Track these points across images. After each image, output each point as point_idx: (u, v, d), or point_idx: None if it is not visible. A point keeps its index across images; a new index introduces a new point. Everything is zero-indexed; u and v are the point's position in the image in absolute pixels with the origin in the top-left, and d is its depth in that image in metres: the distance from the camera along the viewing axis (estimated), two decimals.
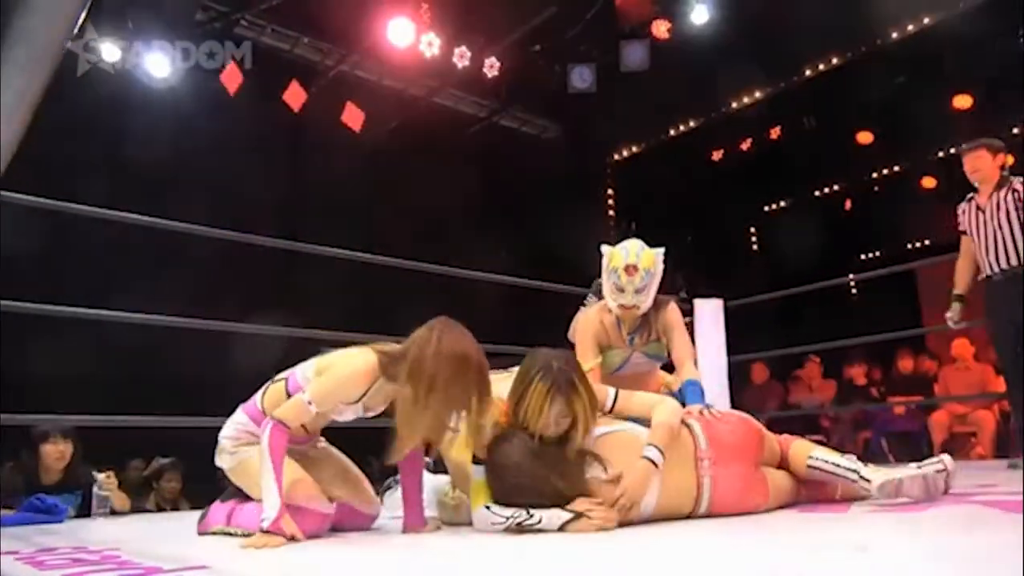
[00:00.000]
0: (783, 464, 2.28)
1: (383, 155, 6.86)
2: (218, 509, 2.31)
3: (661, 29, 6.31)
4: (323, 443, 2.40)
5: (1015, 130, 7.14)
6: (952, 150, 6.70)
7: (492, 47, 6.91)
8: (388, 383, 2.07)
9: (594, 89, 6.49)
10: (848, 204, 8.65)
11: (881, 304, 6.91)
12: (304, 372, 2.17)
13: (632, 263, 2.56)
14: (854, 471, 2.16)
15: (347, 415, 2.16)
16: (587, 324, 2.73)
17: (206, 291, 5.34)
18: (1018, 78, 6.19)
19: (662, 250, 2.64)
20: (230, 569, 1.60)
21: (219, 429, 2.25)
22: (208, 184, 5.73)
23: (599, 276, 2.91)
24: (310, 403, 2.04)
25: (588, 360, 2.57)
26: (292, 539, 1.92)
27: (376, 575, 1.63)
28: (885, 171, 8.09)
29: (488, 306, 6.78)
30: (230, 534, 2.20)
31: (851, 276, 7.06)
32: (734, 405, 4.10)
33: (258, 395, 2.25)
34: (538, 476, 1.96)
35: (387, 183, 6.82)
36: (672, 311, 2.71)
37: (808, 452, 2.24)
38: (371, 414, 2.19)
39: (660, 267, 2.61)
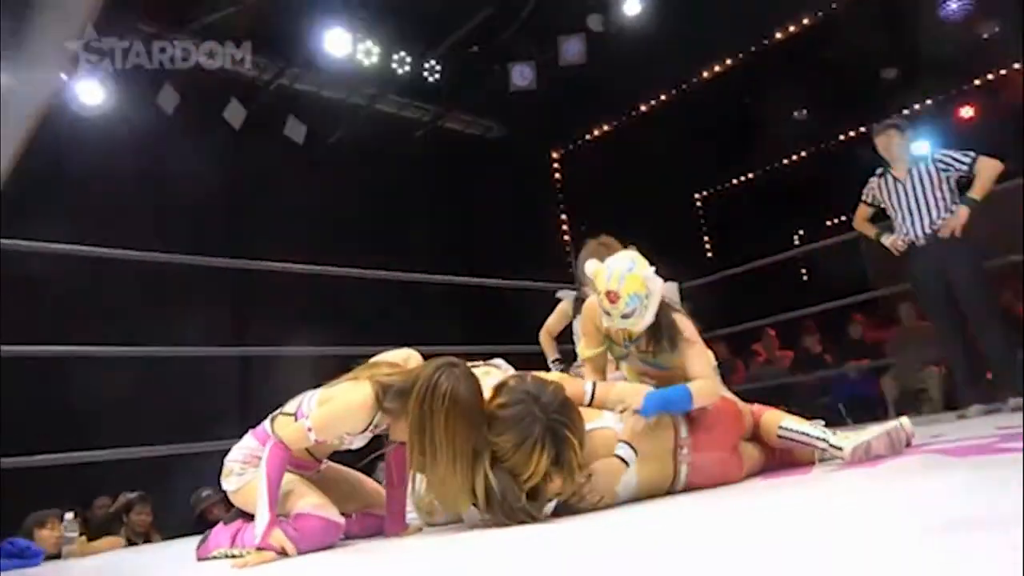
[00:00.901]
0: (755, 432, 2.37)
1: (328, 166, 6.82)
2: (221, 532, 2.30)
3: (596, 22, 6.41)
4: (327, 464, 2.38)
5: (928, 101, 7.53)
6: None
7: (431, 51, 6.93)
8: (384, 416, 2.08)
9: (535, 86, 6.58)
10: (790, 180, 8.88)
11: (830, 274, 7.14)
12: (309, 402, 2.19)
13: (612, 289, 2.26)
14: (823, 439, 2.25)
15: (358, 443, 2.18)
16: (590, 312, 2.52)
17: (154, 315, 5.25)
18: (938, 53, 6.53)
19: (651, 271, 2.31)
20: None
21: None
22: (155, 204, 5.64)
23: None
24: (310, 430, 2.05)
25: (590, 348, 2.54)
26: (283, 553, 1.93)
27: None
28: (823, 145, 8.35)
29: (444, 307, 6.84)
30: (233, 555, 2.20)
31: (798, 248, 7.30)
32: None
33: (267, 422, 2.27)
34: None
35: (333, 194, 6.79)
36: (679, 325, 2.36)
37: (779, 422, 2.33)
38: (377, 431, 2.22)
39: (654, 287, 2.30)
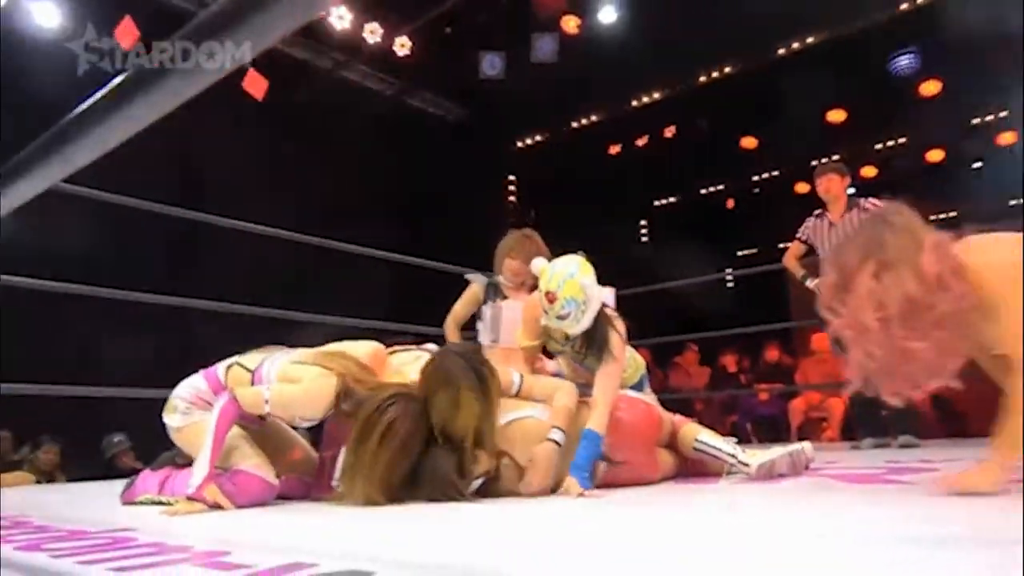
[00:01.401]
0: (672, 441, 2.54)
1: (284, 126, 6.70)
2: (149, 477, 2.31)
3: (571, 24, 6.51)
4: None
5: (877, 146, 7.94)
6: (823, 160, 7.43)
7: (404, 26, 6.89)
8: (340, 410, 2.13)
9: (503, 77, 6.63)
10: (730, 203, 9.23)
11: (753, 299, 7.48)
12: (271, 367, 2.21)
13: (551, 290, 2.32)
14: (733, 455, 2.43)
15: (306, 424, 2.23)
16: (533, 305, 2.55)
17: (98, 259, 5.07)
18: (885, 99, 6.90)
19: (591, 279, 2.36)
20: (157, 530, 1.62)
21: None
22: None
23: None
24: (267, 402, 2.07)
25: (526, 339, 2.61)
26: (217, 507, 1.97)
27: (294, 539, 1.68)
28: (765, 175, 8.70)
29: (378, 281, 6.83)
30: (160, 503, 2.21)
31: (728, 271, 7.60)
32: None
33: (221, 367, 2.28)
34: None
35: (286, 154, 6.68)
36: (611, 342, 2.39)
37: (696, 435, 2.51)
38: None
39: (592, 294, 2.35)
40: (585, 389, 2.39)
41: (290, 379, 2.14)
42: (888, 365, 1.61)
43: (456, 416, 2.07)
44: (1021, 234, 1.69)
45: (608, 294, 3.77)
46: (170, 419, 2.25)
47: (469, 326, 3.42)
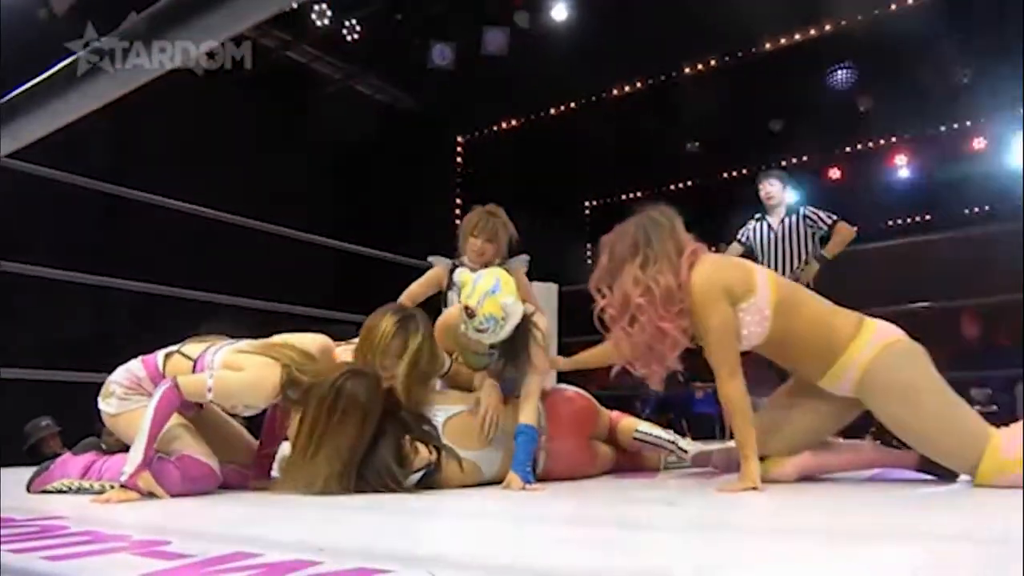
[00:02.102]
0: (611, 435, 2.62)
1: (221, 104, 6.49)
2: (69, 462, 2.21)
3: (523, 19, 6.51)
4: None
5: (805, 158, 8.27)
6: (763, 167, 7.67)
7: (354, 10, 6.77)
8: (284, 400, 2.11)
9: (452, 67, 6.60)
10: (681, 201, 9.43)
11: None
12: (214, 356, 2.15)
13: (470, 305, 2.32)
14: (673, 442, 2.58)
15: (248, 412, 2.19)
16: (449, 320, 2.56)
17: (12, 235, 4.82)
18: (822, 112, 7.11)
19: (512, 297, 2.34)
20: (89, 519, 1.56)
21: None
22: None
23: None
24: (210, 390, 2.02)
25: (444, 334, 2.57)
26: (151, 495, 1.91)
27: (235, 527, 1.65)
28: (716, 176, 8.84)
29: (325, 270, 6.72)
30: (82, 489, 2.13)
31: None
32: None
33: (160, 355, 2.22)
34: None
35: (224, 134, 6.49)
36: (532, 356, 2.40)
37: (635, 426, 2.63)
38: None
39: (512, 311, 2.33)
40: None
41: (234, 367, 2.09)
42: (644, 342, 1.97)
43: (396, 365, 2.15)
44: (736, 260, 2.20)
45: (550, 289, 3.73)
46: (106, 405, 2.18)
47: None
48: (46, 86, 0.95)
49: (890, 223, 7.97)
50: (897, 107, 7.10)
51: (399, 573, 0.99)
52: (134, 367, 2.21)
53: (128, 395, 2.16)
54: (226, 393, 2.06)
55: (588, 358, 2.50)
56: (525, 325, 2.41)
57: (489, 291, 2.32)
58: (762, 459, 2.00)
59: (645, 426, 2.66)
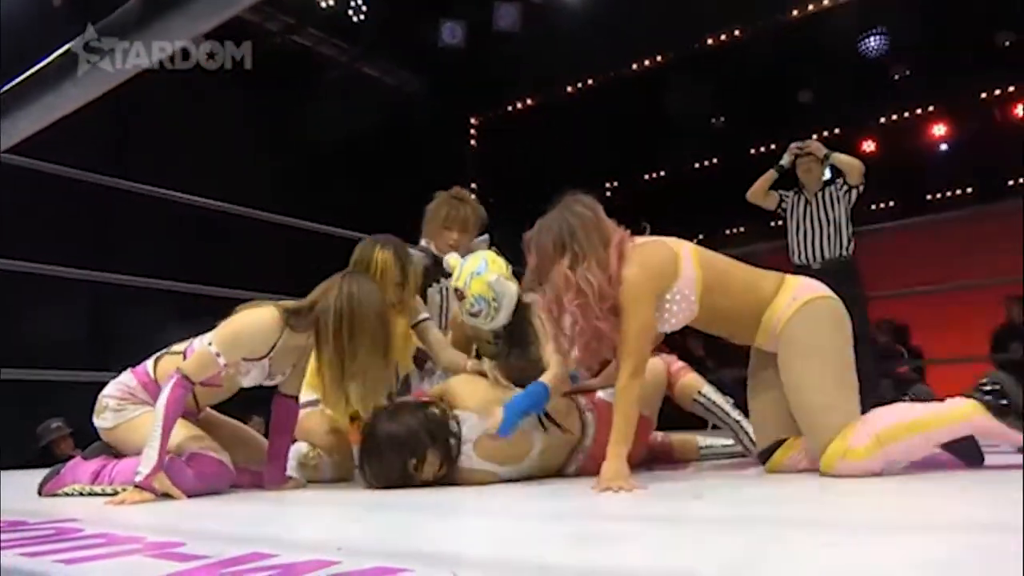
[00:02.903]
0: (669, 391, 2.37)
1: (226, 91, 6.42)
2: (79, 467, 2.17)
3: None
4: (207, 411, 2.32)
5: (837, 131, 8.05)
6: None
7: None
8: (293, 337, 2.07)
9: (463, 46, 6.50)
10: (706, 180, 9.09)
11: None
12: (202, 340, 2.10)
13: (459, 288, 2.31)
14: (739, 423, 2.29)
15: (252, 375, 2.10)
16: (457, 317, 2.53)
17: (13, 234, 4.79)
18: (853, 81, 6.89)
19: (498, 276, 2.31)
20: (103, 521, 1.54)
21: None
22: None
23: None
24: (218, 355, 1.97)
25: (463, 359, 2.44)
26: (166, 497, 1.88)
27: (250, 528, 1.60)
28: (744, 153, 8.57)
29: (333, 257, 6.62)
30: (93, 494, 2.08)
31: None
32: None
33: (149, 362, 2.19)
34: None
35: (232, 121, 6.43)
36: (535, 327, 2.35)
37: (698, 388, 2.37)
38: (272, 381, 2.17)
39: (502, 290, 2.29)
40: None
41: (226, 327, 2.05)
42: (581, 341, 1.88)
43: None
44: (673, 241, 2.00)
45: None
46: (101, 420, 2.15)
47: None
48: (38, 80, 0.91)
49: (928, 197, 7.77)
50: (934, 74, 6.86)
51: (419, 572, 0.95)
52: (124, 379, 2.19)
53: (122, 405, 2.13)
54: (232, 345, 2.01)
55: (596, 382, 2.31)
56: (524, 312, 2.35)
57: (475, 272, 2.31)
58: (774, 449, 1.96)
59: (710, 390, 2.36)
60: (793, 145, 4.31)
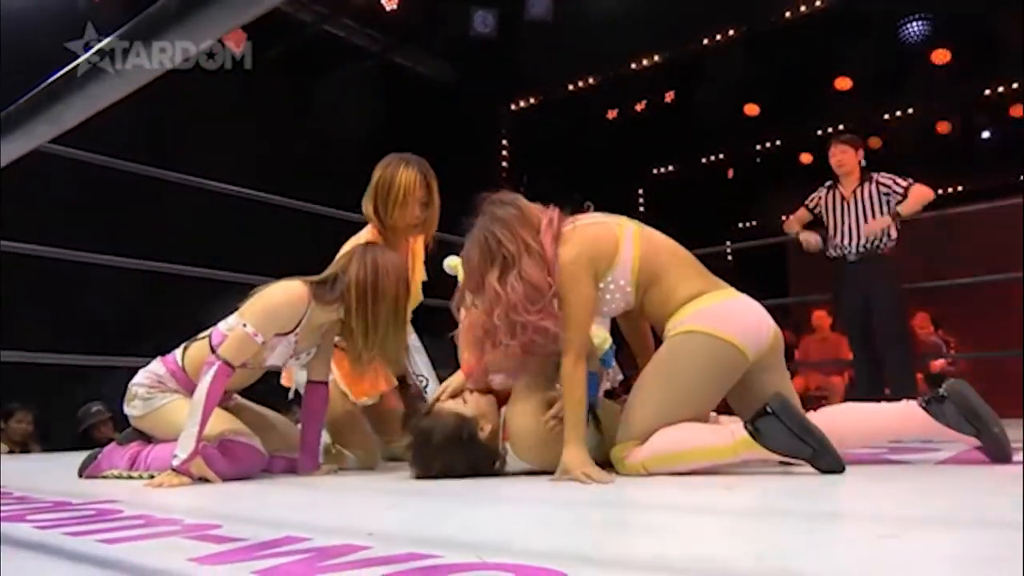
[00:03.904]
0: None
1: (260, 81, 6.48)
2: (115, 452, 2.23)
3: None
4: (236, 399, 2.36)
5: (886, 116, 7.83)
6: (829, 130, 7.28)
7: None
8: (318, 312, 2.10)
9: (495, 35, 6.45)
10: (731, 173, 8.98)
11: (753, 273, 7.50)
12: (227, 323, 2.13)
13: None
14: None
15: (279, 351, 2.12)
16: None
17: (61, 221, 4.91)
18: (893, 67, 6.69)
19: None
20: (141, 503, 1.58)
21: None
22: None
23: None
24: (255, 333, 2.00)
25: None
26: (203, 480, 1.92)
27: (284, 512, 1.63)
28: (768, 144, 8.48)
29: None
30: (130, 478, 2.14)
31: (728, 244, 7.48)
32: None
33: (178, 351, 2.23)
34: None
35: (267, 112, 6.49)
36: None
37: None
38: (297, 362, 2.20)
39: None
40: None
41: (251, 307, 2.08)
42: (526, 345, 1.81)
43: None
44: (608, 219, 1.96)
45: None
46: (131, 409, 2.19)
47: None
48: (79, 74, 0.93)
49: (968, 186, 7.60)
50: (980, 61, 6.62)
51: (448, 558, 0.96)
52: (153, 367, 2.23)
53: (151, 394, 2.17)
54: (266, 319, 2.03)
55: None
56: None
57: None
58: None
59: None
60: (807, 236, 4.16)
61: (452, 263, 2.30)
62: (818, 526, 1.23)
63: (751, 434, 1.74)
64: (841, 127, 7.22)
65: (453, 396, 2.06)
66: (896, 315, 4.01)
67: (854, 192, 4.04)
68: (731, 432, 1.77)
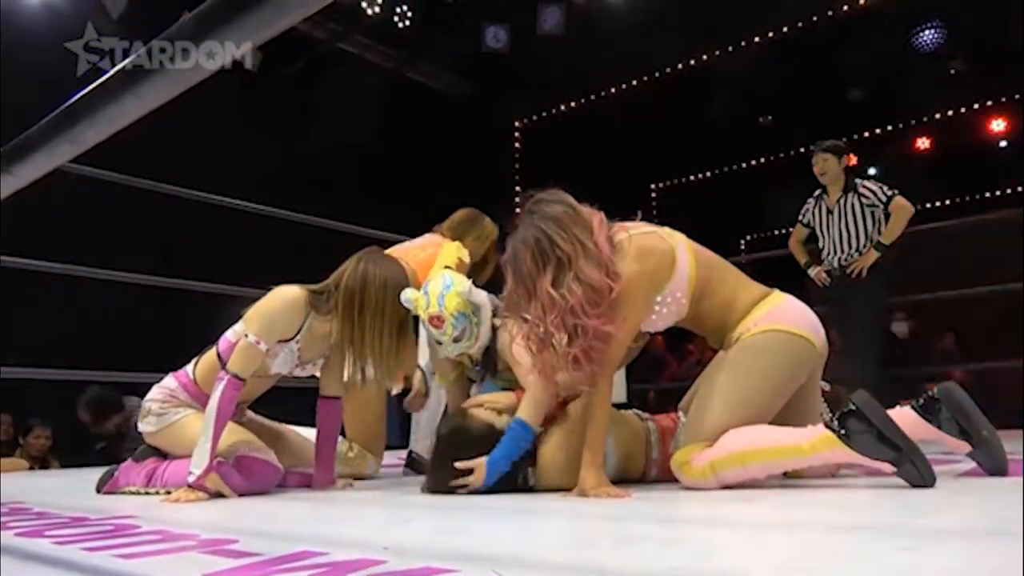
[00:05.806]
0: None
1: (275, 98, 6.55)
2: (131, 469, 2.24)
3: None
4: (250, 415, 2.37)
5: (890, 128, 7.78)
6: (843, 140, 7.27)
7: None
8: (319, 322, 2.10)
9: (507, 50, 6.48)
10: (738, 185, 8.97)
11: (770, 285, 7.42)
12: (234, 329, 2.14)
13: (435, 313, 2.11)
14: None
15: (281, 359, 2.11)
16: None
17: (66, 234, 4.97)
18: (903, 78, 6.67)
19: (469, 285, 2.17)
20: (158, 518, 1.59)
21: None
22: None
23: None
24: (257, 342, 2.00)
25: (445, 378, 2.44)
26: (219, 495, 1.92)
27: (300, 527, 1.63)
28: (780, 155, 8.50)
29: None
30: (147, 494, 2.15)
31: (742, 256, 7.46)
32: None
33: (190, 365, 2.24)
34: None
35: (281, 128, 6.55)
36: (505, 355, 2.17)
37: None
38: (302, 371, 2.19)
39: (479, 300, 2.17)
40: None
41: (252, 314, 2.08)
42: (586, 351, 1.69)
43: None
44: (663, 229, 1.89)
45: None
46: (145, 425, 2.20)
47: None
48: (101, 91, 0.94)
49: (987, 195, 7.48)
50: (993, 68, 6.60)
51: (464, 572, 0.96)
52: (166, 382, 2.24)
53: (164, 409, 2.17)
54: (268, 325, 2.03)
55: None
56: (496, 335, 2.20)
57: (444, 289, 2.13)
58: None
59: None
60: (818, 272, 4.11)
61: (410, 295, 2.11)
62: (836, 538, 1.21)
63: (837, 433, 1.65)
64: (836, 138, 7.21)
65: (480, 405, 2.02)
66: (862, 330, 3.91)
67: (838, 202, 4.00)
68: (808, 431, 1.71)
